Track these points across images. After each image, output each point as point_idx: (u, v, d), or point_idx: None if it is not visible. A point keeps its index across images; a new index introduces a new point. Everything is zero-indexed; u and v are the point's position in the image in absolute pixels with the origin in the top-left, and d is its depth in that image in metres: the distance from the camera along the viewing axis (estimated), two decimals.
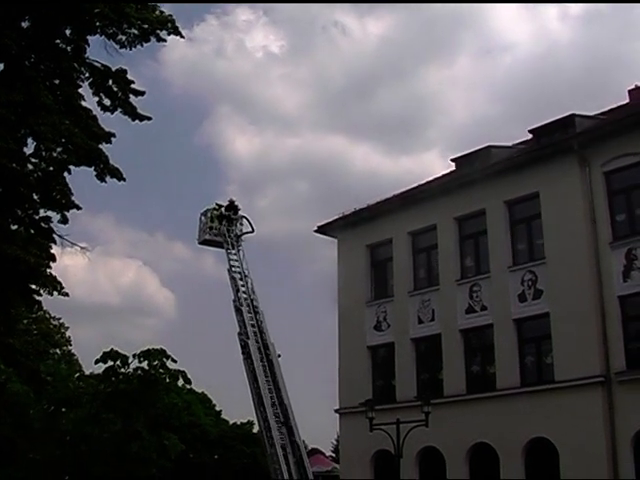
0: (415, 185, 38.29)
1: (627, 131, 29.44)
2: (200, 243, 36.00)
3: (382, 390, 36.55)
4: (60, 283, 25.43)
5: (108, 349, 30.17)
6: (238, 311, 32.30)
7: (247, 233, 35.17)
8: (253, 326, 32.19)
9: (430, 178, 38.37)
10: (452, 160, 37.69)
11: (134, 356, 31.88)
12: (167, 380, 31.89)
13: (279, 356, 31.83)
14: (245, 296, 32.73)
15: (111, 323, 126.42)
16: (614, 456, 27.90)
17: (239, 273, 33.35)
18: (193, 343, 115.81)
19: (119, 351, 28.14)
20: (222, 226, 34.77)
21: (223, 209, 35.19)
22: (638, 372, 27.89)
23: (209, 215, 35.38)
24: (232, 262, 33.70)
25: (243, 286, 33.02)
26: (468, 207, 34.20)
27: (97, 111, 25.50)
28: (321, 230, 40.61)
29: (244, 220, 35.43)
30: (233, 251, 33.88)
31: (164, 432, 27.00)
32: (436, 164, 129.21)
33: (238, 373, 32.11)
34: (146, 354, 32.60)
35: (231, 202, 35.11)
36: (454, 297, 34.18)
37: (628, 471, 27.65)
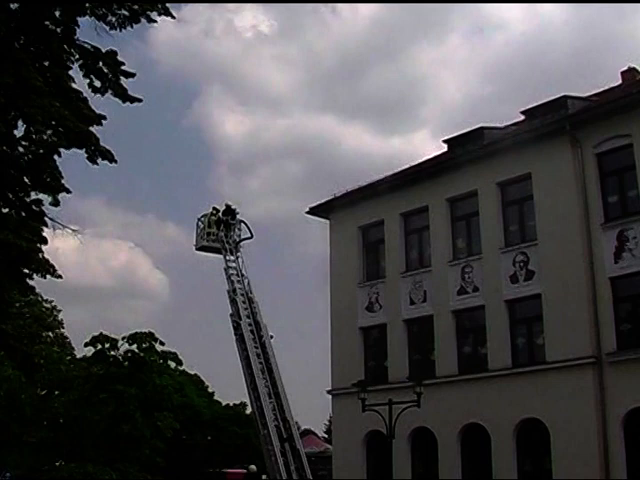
0: (407, 166, 38.30)
1: (619, 113, 29.38)
2: (197, 249, 35.40)
3: (374, 371, 36.66)
4: (53, 266, 25.38)
5: (97, 333, 30.16)
6: (233, 301, 32.13)
7: (246, 239, 34.58)
8: (246, 309, 32.13)
9: (422, 159, 38.34)
10: (444, 141, 37.62)
11: (123, 339, 31.79)
12: (157, 362, 31.85)
13: (272, 337, 31.73)
14: (241, 291, 32.44)
15: (104, 306, 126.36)
16: (605, 436, 28.03)
17: (236, 275, 32.97)
18: (187, 325, 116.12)
19: (108, 335, 28.15)
20: (220, 232, 34.21)
21: (220, 214, 34.63)
22: (629, 353, 27.99)
23: (206, 220, 34.88)
24: (230, 264, 33.23)
25: (239, 282, 32.68)
26: (460, 188, 34.18)
27: (87, 93, 25.41)
28: (313, 211, 40.59)
29: (242, 225, 34.92)
30: (232, 257, 33.42)
31: (157, 413, 27.02)
32: (428, 145, 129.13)
33: (231, 355, 32.11)
34: (134, 337, 32.57)
35: (228, 206, 34.54)
36: (446, 278, 34.22)
37: (618, 451, 27.79)
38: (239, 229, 34.61)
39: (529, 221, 32.04)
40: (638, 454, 27.56)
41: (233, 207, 34.59)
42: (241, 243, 34.40)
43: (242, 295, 32.33)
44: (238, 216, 34.70)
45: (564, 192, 30.40)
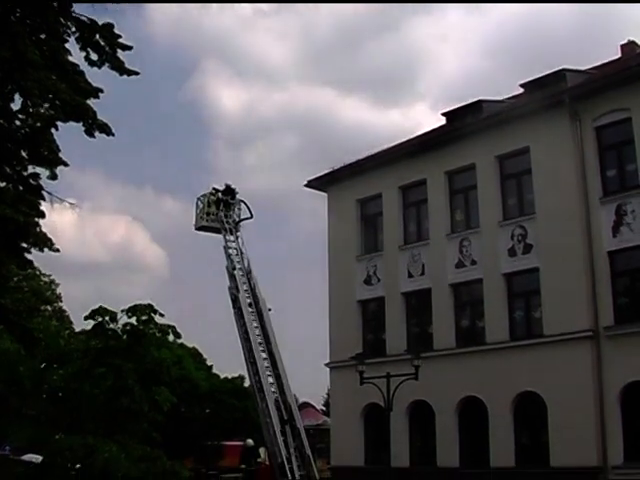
0: (405, 139, 38.22)
1: (618, 86, 29.25)
2: (197, 229, 35.16)
3: (372, 344, 36.79)
4: (50, 240, 25.30)
5: (96, 306, 30.11)
6: (232, 276, 32.06)
7: (246, 219, 34.40)
8: (244, 283, 32.12)
9: (420, 132, 38.25)
10: (443, 114, 37.52)
11: (122, 312, 31.84)
12: (156, 335, 31.88)
13: (270, 310, 31.76)
14: (240, 268, 32.29)
15: (102, 280, 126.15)
16: (601, 410, 28.17)
17: (236, 255, 32.76)
18: (185, 299, 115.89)
19: (107, 308, 28.14)
20: (220, 211, 34.00)
21: (220, 194, 34.40)
22: (626, 327, 28.09)
23: (206, 200, 34.66)
24: (229, 245, 33.02)
25: (239, 262, 32.52)
26: (458, 161, 34.14)
27: (84, 66, 25.21)
28: (311, 185, 40.60)
29: (242, 204, 34.71)
30: (231, 238, 33.25)
31: (155, 387, 27.04)
32: (426, 118, 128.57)
33: (230, 328, 32.12)
34: (133, 309, 32.60)
35: (228, 186, 34.30)
36: (444, 251, 34.27)
37: (615, 424, 27.96)
38: (239, 209, 34.39)
39: (527, 194, 32.01)
40: (634, 427, 27.74)
41: (233, 187, 34.39)
42: (241, 223, 34.25)
43: (240, 270, 32.31)
44: (238, 196, 34.52)
45: (563, 166, 30.34)
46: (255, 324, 30.82)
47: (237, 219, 34.05)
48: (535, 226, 31.17)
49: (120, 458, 12.32)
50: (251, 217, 34.31)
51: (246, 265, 32.62)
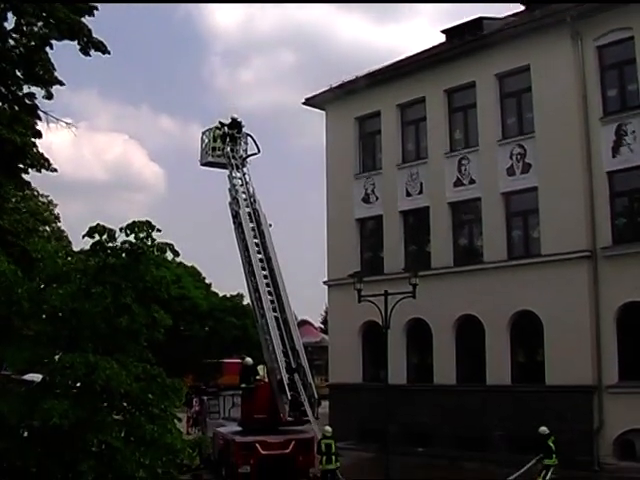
0: (404, 57, 37.78)
1: (621, 5, 28.73)
2: (202, 165, 34.55)
3: (370, 262, 36.91)
4: (47, 160, 25.24)
5: (94, 224, 29.89)
6: (232, 189, 31.76)
7: (252, 155, 33.75)
8: (245, 200, 31.87)
9: (420, 50, 37.74)
10: (442, 32, 36.98)
11: (121, 230, 31.73)
12: (155, 253, 31.80)
13: (270, 226, 31.55)
14: (245, 200, 31.80)
15: (100, 199, 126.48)
16: (597, 329, 28.48)
17: (244, 193, 32.21)
18: (184, 217, 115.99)
19: (105, 225, 28.07)
20: (226, 146, 33.40)
21: (226, 127, 33.68)
22: (624, 247, 28.22)
23: (211, 135, 33.79)
24: (235, 182, 32.41)
25: (247, 206, 31.96)
26: (458, 79, 33.79)
27: None
28: (309, 102, 40.26)
29: (249, 139, 34.01)
30: (238, 175, 32.62)
31: (154, 305, 27.11)
32: (426, 36, 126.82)
33: (229, 246, 32.07)
34: (132, 227, 32.47)
35: (234, 119, 33.53)
36: (442, 170, 34.17)
37: (610, 344, 28.32)
38: (245, 143, 33.75)
39: (527, 114, 31.80)
40: (630, 347, 28.05)
41: (239, 120, 33.67)
42: (248, 159, 33.60)
43: (243, 193, 32.02)
44: (244, 129, 33.89)
45: (563, 85, 30.06)
46: (255, 240, 30.71)
47: (243, 154, 33.44)
48: (534, 145, 31.02)
49: (121, 375, 12.40)
50: (258, 152, 33.67)
51: (250, 191, 32.28)
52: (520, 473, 25.49)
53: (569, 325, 28.78)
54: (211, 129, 33.95)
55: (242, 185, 32.16)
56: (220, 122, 33.60)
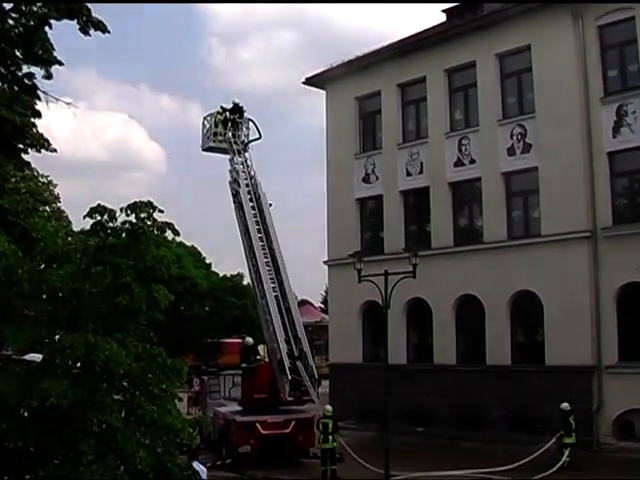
0: (405, 36, 37.62)
1: None
2: (204, 150, 34.34)
3: (370, 242, 36.99)
4: (47, 140, 25.13)
5: (95, 204, 29.80)
6: (233, 170, 31.66)
7: (254, 140, 33.55)
8: (245, 179, 31.83)
9: (420, 29, 37.59)
10: (443, 11, 36.89)
11: (121, 210, 31.74)
12: (155, 232, 31.82)
13: (270, 206, 31.53)
14: (247, 184, 31.67)
15: (100, 179, 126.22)
16: (597, 310, 28.56)
17: (243, 172, 32.04)
18: (184, 197, 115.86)
19: (106, 206, 28.10)
20: (227, 131, 33.28)
21: (228, 112, 33.47)
22: (624, 228, 28.23)
23: (213, 120, 33.54)
24: (237, 167, 32.19)
25: (247, 186, 31.78)
26: (458, 59, 33.69)
27: None
28: (309, 82, 40.18)
29: (250, 124, 33.81)
30: (240, 159, 32.44)
31: (153, 284, 27.14)
32: (426, 15, 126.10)
33: (229, 226, 32.06)
34: (133, 207, 32.44)
35: (235, 104, 33.31)
36: (443, 150, 34.16)
37: (610, 324, 28.41)
38: (247, 128, 33.59)
39: (527, 93, 31.74)
40: (629, 328, 28.11)
41: (240, 105, 33.53)
42: (249, 145, 33.41)
43: (244, 172, 31.99)
44: (246, 114, 33.71)
45: (564, 65, 29.97)
46: (256, 219, 30.70)
47: (245, 139, 33.29)
48: (535, 125, 30.96)
49: (121, 355, 12.39)
50: (260, 137, 33.51)
51: (252, 174, 32.20)
52: (540, 452, 25.55)
53: (569, 305, 28.87)
54: (212, 114, 33.79)
55: (243, 169, 32.13)
56: (221, 107, 33.50)
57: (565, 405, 26.07)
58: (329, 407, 26.71)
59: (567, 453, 25.11)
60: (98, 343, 12.77)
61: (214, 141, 33.27)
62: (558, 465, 24.55)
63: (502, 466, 24.67)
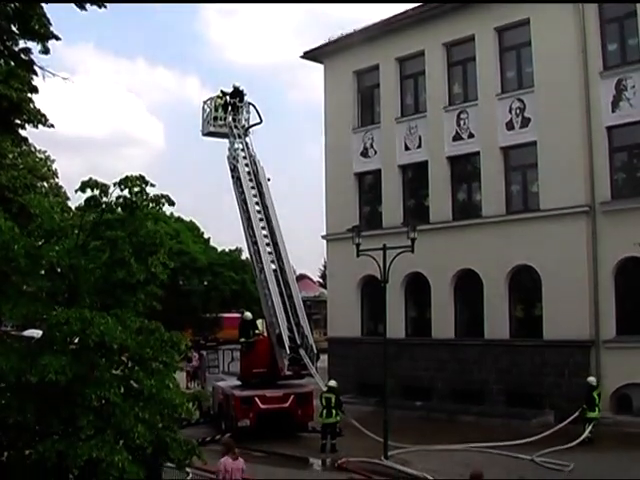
0: (403, 10, 37.37)
1: None
2: (204, 135, 34.07)
3: (369, 216, 37.00)
4: (44, 115, 24.89)
5: (86, 178, 29.71)
6: (234, 169, 31.49)
7: (255, 125, 33.32)
8: (243, 150, 31.75)
9: (418, 3, 37.34)
10: None
11: (114, 185, 31.66)
12: (150, 206, 31.69)
13: (269, 180, 31.45)
14: (248, 167, 31.49)
15: (97, 154, 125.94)
16: (595, 284, 28.62)
17: (242, 151, 31.80)
18: (184, 172, 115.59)
19: (98, 180, 28.07)
20: (228, 115, 33.18)
21: (228, 97, 33.23)
22: (622, 203, 28.22)
23: (213, 104, 33.38)
24: (238, 152, 31.95)
25: (245, 159, 31.60)
26: (457, 33, 33.52)
27: None
28: (308, 55, 40.06)
29: (251, 108, 33.57)
30: (240, 146, 32.21)
31: (150, 258, 27.13)
32: None
33: (228, 201, 32.09)
34: (125, 181, 32.37)
35: (236, 88, 33.03)
36: (441, 124, 34.05)
37: (608, 299, 28.50)
38: (247, 112, 33.39)
39: (526, 68, 31.61)
40: (627, 302, 28.25)
41: (241, 89, 33.30)
42: (250, 129, 33.19)
43: (243, 151, 31.88)
44: (246, 98, 33.51)
45: (563, 39, 29.84)
46: (254, 192, 30.65)
47: (246, 123, 33.09)
48: (534, 99, 30.86)
49: (116, 330, 12.41)
50: (261, 122, 33.33)
51: (252, 153, 32.10)
52: (562, 426, 25.62)
53: (567, 280, 28.89)
54: (213, 98, 33.63)
55: (243, 147, 32.04)
56: (222, 91, 33.37)
57: (592, 379, 26.14)
58: (333, 382, 26.79)
59: (590, 428, 25.02)
60: (93, 318, 12.77)
61: (214, 125, 33.11)
62: (580, 439, 24.41)
63: (513, 440, 24.46)
